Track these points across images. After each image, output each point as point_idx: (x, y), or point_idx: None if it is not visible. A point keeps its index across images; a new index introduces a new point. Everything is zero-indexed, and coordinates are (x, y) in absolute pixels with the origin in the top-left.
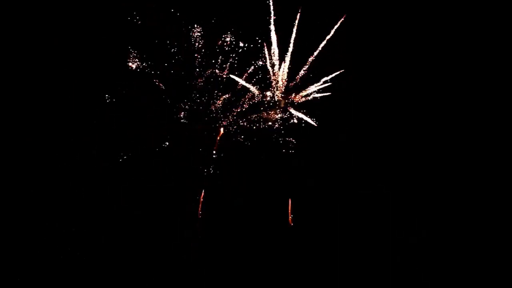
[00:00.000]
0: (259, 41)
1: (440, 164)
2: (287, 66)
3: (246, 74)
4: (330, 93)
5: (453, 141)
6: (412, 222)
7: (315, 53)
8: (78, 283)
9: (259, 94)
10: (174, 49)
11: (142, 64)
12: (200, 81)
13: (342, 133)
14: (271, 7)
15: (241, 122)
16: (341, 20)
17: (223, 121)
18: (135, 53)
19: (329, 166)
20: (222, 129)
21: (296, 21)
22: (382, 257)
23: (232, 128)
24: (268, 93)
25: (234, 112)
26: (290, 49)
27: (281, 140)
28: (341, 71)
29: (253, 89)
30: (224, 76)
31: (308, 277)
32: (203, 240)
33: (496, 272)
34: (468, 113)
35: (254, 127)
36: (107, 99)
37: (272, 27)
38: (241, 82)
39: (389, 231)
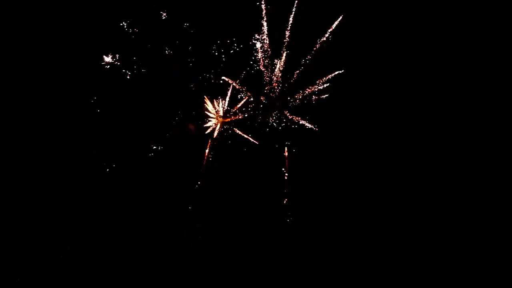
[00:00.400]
0: (254, 42)
1: (440, 164)
2: (281, 68)
3: (241, 76)
4: (327, 94)
5: (453, 141)
6: (412, 222)
7: (310, 55)
8: (78, 283)
9: (252, 97)
10: (170, 50)
11: (140, 64)
12: (195, 83)
13: (341, 133)
14: (263, 7)
15: (237, 127)
16: (338, 20)
17: (219, 124)
18: (133, 53)
19: (329, 167)
20: (219, 125)
21: (290, 22)
22: (382, 257)
23: (227, 132)
24: (263, 96)
25: (230, 115)
26: (285, 50)
27: (276, 145)
28: (338, 71)
29: (247, 92)
30: (217, 79)
31: (308, 277)
32: (203, 240)
33: (496, 272)
34: (467, 113)
35: (250, 134)
36: (107, 100)
37: (265, 28)
38: (234, 84)
39: (389, 231)
